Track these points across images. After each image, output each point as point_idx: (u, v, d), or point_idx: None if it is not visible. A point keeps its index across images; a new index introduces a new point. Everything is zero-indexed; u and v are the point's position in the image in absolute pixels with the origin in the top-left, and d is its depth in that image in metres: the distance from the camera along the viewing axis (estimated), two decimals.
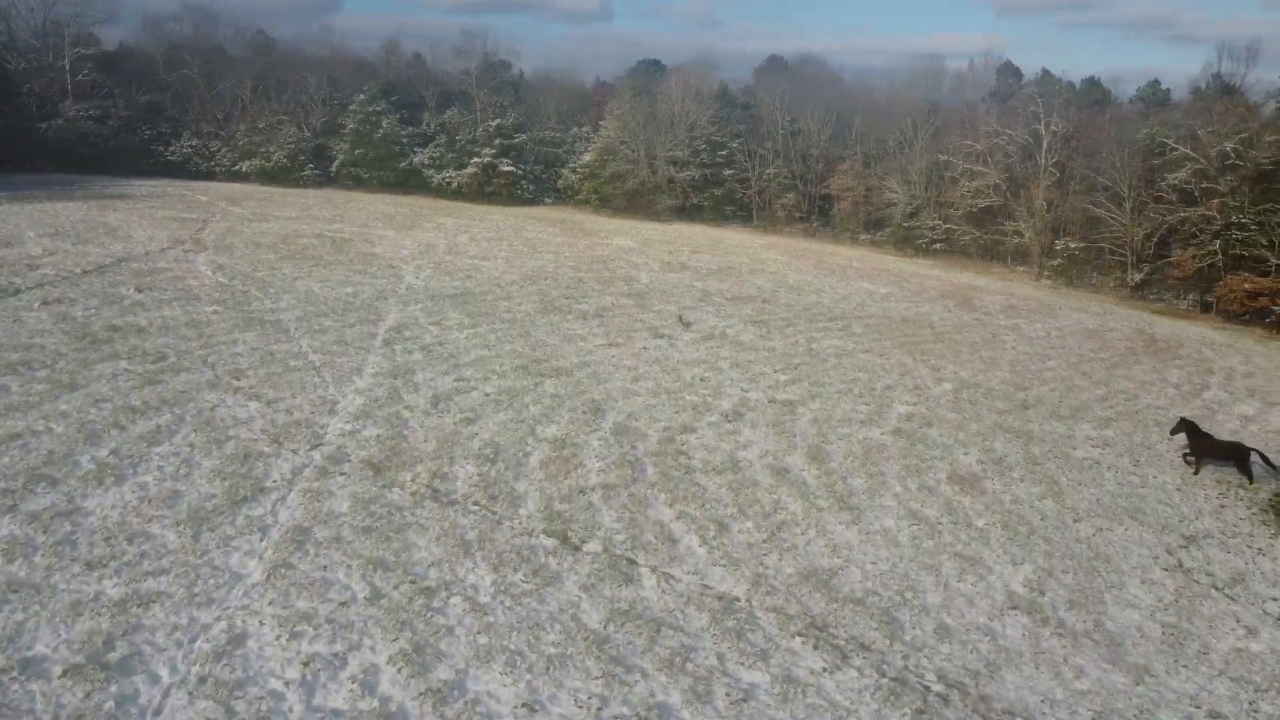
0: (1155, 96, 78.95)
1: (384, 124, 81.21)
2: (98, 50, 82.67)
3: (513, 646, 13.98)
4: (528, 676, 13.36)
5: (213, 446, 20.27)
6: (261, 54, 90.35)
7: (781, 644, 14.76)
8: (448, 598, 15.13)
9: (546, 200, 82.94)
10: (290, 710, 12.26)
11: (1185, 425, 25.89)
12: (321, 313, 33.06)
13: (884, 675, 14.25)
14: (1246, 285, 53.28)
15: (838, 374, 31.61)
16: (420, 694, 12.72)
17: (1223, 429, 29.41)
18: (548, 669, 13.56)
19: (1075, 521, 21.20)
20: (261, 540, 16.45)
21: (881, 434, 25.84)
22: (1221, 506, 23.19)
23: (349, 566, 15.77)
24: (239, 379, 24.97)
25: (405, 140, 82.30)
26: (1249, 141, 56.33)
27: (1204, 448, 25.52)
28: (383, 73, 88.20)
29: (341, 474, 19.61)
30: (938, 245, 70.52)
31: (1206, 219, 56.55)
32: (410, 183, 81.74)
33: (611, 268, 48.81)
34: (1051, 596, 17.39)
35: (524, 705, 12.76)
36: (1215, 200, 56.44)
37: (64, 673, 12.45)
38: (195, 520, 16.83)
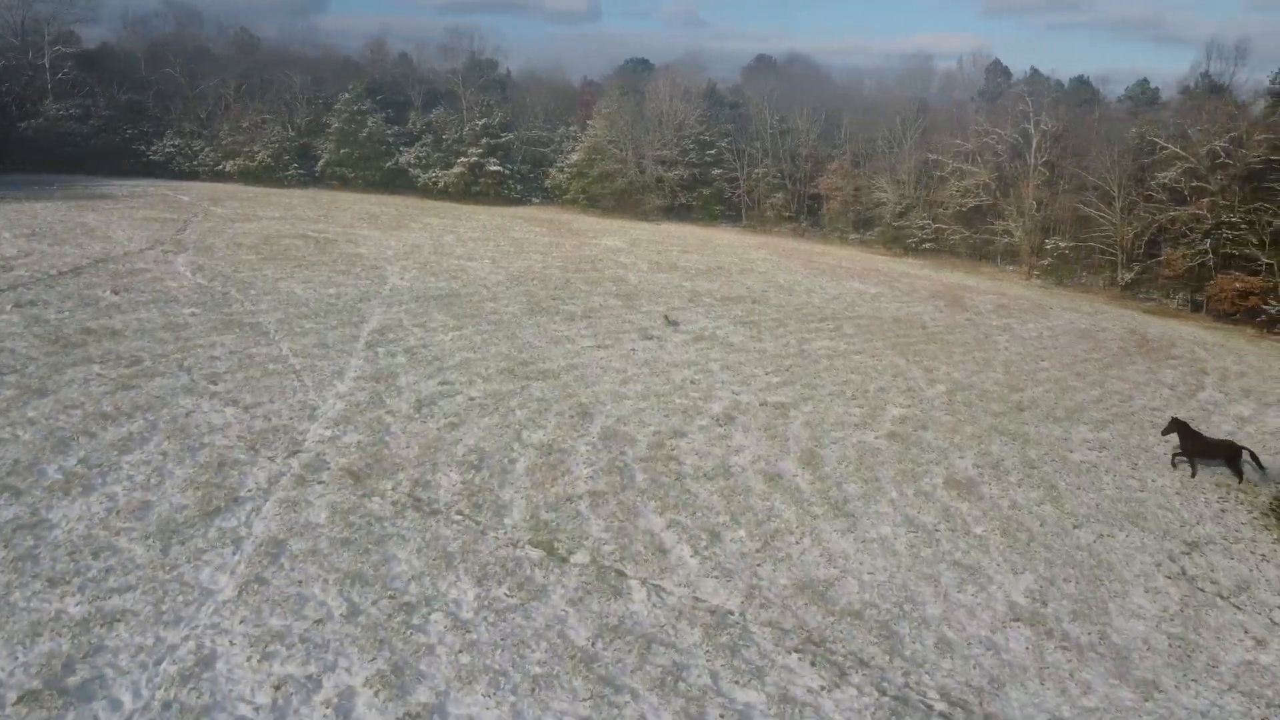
0: (1144, 95, 78.87)
1: (369, 123, 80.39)
2: (78, 48, 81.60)
3: (496, 666, 13.34)
4: (512, 698, 12.72)
5: (186, 454, 19.54)
6: (245, 53, 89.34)
7: (777, 661, 14.16)
8: (428, 614, 14.46)
9: (534, 200, 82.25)
10: None
11: (1177, 425, 25.48)
12: (303, 315, 32.31)
13: (884, 694, 13.67)
14: (1237, 285, 53.07)
15: (830, 376, 31.07)
16: (398, 719, 12.07)
17: (1219, 430, 29.00)
18: (533, 690, 12.92)
19: (1075, 528, 20.68)
20: (234, 554, 15.76)
21: (875, 437, 25.30)
22: (1222, 511, 22.73)
23: (325, 581, 15.09)
24: (215, 383, 24.24)
25: (391, 140, 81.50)
26: (1239, 140, 56.11)
27: (1195, 447, 25.14)
28: (368, 71, 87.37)
29: (320, 483, 18.92)
30: (927, 245, 70.17)
31: (1197, 218, 56.32)
32: (396, 182, 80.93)
33: (600, 268, 48.17)
34: (1054, 607, 16.84)
35: None
36: (1205, 199, 56.21)
37: (19, 699, 11.74)
38: (165, 533, 16.11)
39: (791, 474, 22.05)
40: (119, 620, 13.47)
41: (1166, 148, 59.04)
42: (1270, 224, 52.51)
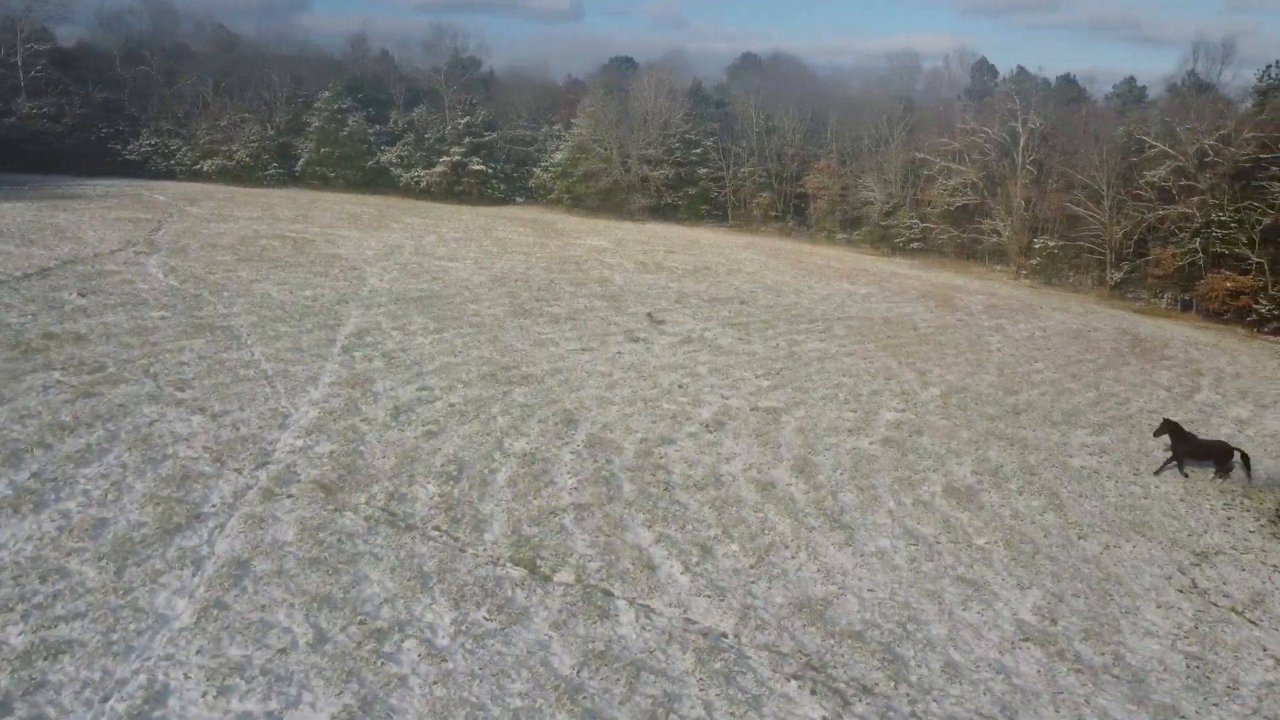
0: (1131, 94, 78.51)
1: (350, 122, 79.14)
2: (52, 46, 79.84)
3: (474, 699, 12.36)
4: None
5: (147, 467, 18.46)
6: (224, 50, 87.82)
7: (775, 689, 13.24)
8: (401, 641, 13.47)
9: (518, 200, 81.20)
10: None
11: (1169, 426, 24.82)
12: (277, 318, 31.21)
13: None
14: (1228, 284, 52.63)
15: (821, 379, 30.23)
16: None
17: (1218, 433, 28.34)
18: None
19: (1080, 538, 19.87)
20: (194, 576, 14.71)
21: (870, 443, 24.45)
22: (1229, 519, 21.99)
23: (291, 606, 14.07)
24: (183, 390, 23.14)
25: (372, 138, 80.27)
26: (1227, 139, 55.69)
27: (1187, 449, 24.50)
28: (349, 69, 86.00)
29: (289, 496, 17.88)
30: (915, 244, 69.57)
31: (1186, 217, 55.87)
32: (378, 182, 79.71)
33: (584, 269, 47.20)
34: (1064, 625, 15.99)
35: None
36: (1194, 198, 55.76)
37: None
38: (120, 553, 15.05)
39: (785, 483, 21.16)
40: (64, 652, 12.42)
41: (1155, 146, 58.59)
42: (1260, 222, 52.09)
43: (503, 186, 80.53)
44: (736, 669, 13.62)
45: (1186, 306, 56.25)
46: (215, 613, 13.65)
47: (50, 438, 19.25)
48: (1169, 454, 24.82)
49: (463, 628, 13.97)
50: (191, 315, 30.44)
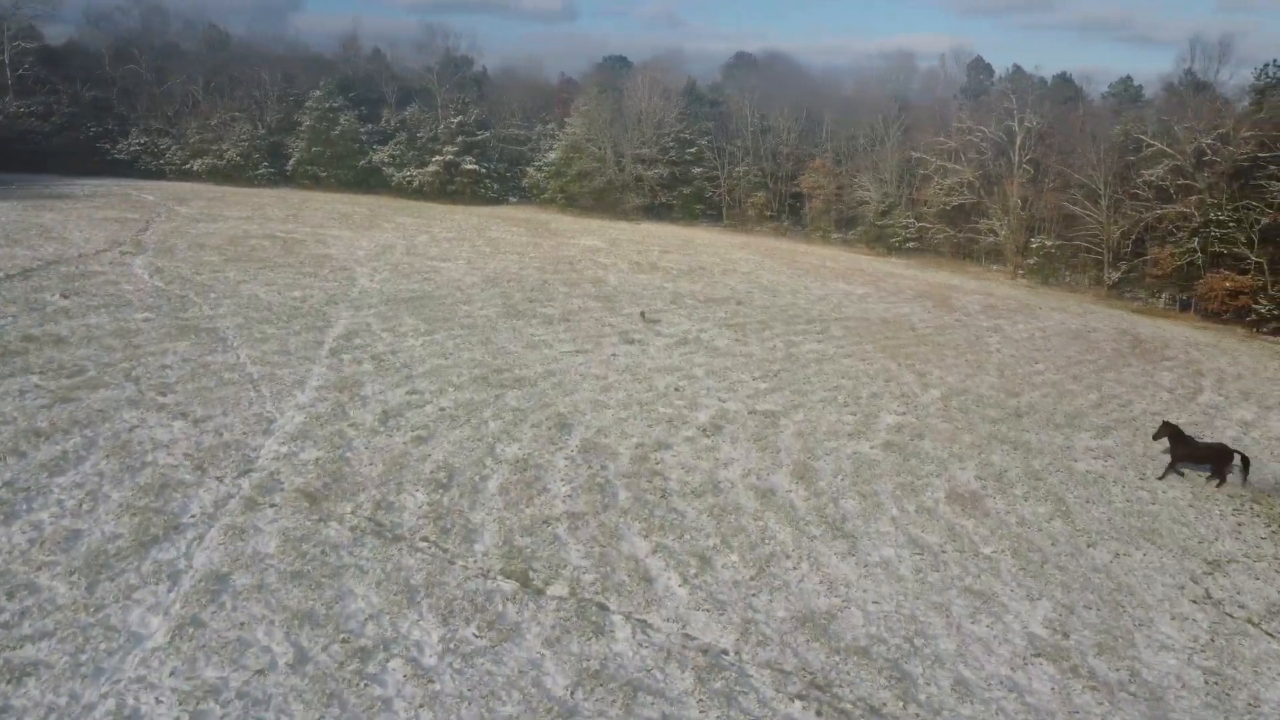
0: (1127, 93, 78.11)
1: (342, 121, 78.31)
2: (40, 44, 78.90)
3: None
4: None
5: (125, 475, 17.81)
6: (214, 49, 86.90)
7: (779, 710, 12.64)
8: (386, 660, 12.84)
9: (511, 199, 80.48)
10: None
11: (1169, 429, 24.30)
12: (264, 319, 30.53)
13: None
14: (1227, 284, 52.16)
15: (820, 381, 29.64)
16: None
17: (1223, 436, 27.82)
18: None
19: (1089, 546, 19.31)
20: (170, 591, 14.07)
21: (871, 448, 23.87)
22: (1239, 525, 21.45)
23: (271, 623, 13.44)
24: (164, 395, 22.48)
25: (364, 138, 79.45)
26: (1225, 137, 55.24)
27: (1186, 453, 24.01)
28: (341, 68, 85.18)
29: (272, 506, 17.24)
30: (911, 244, 68.99)
31: (1184, 216, 55.40)
32: (370, 181, 78.91)
33: (578, 269, 46.57)
34: (1077, 639, 15.42)
35: None
36: (1192, 197, 55.30)
37: None
38: (93, 567, 14.41)
39: (785, 489, 20.57)
40: (29, 675, 11.79)
41: (1152, 145, 58.10)
42: (1258, 221, 51.62)
43: (496, 186, 79.80)
44: (738, 689, 13.02)
45: (1185, 306, 55.79)
46: (191, 631, 13.03)
47: (25, 445, 18.60)
48: (1169, 463, 24.32)
49: (451, 645, 13.35)
50: (176, 317, 29.76)
